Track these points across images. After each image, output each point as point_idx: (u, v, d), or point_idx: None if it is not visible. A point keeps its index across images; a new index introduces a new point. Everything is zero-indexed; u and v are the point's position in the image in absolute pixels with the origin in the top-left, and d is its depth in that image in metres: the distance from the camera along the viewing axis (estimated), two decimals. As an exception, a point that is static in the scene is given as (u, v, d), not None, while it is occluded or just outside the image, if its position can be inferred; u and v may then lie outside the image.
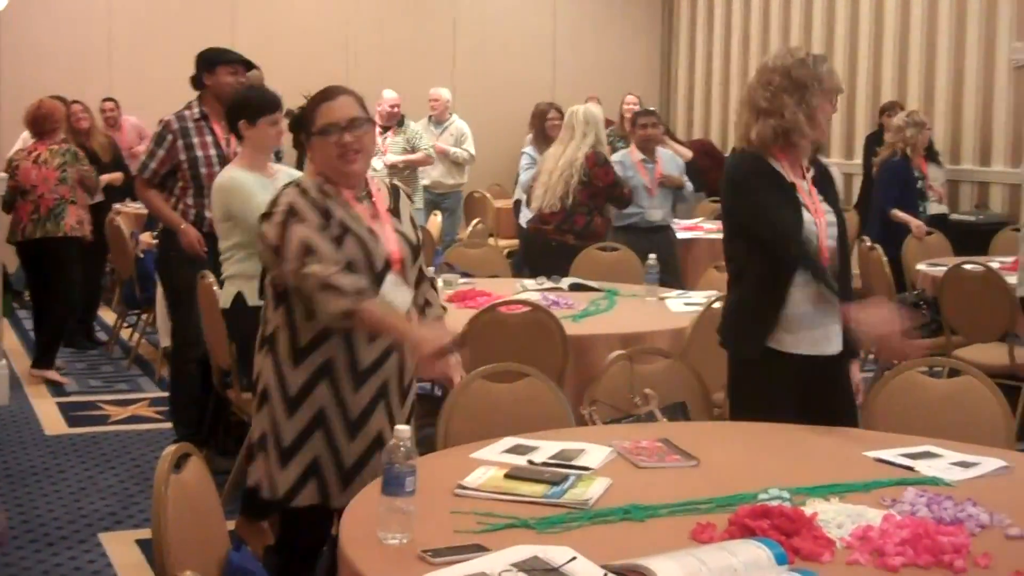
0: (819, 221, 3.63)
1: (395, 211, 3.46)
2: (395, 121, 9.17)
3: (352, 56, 12.40)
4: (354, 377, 3.30)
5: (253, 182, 4.72)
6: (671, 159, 7.70)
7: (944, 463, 2.98)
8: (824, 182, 3.77)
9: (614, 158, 7.43)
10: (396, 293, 3.32)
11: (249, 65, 5.83)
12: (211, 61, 5.67)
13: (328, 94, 3.38)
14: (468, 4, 13.15)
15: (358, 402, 3.31)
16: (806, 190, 3.66)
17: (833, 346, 3.65)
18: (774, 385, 3.61)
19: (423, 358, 3.16)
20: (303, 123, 3.42)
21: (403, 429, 2.44)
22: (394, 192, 3.53)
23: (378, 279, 3.29)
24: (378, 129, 8.41)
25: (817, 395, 3.63)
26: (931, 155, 8.72)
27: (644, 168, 7.43)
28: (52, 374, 7.54)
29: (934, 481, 2.83)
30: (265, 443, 3.34)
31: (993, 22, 9.74)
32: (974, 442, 3.24)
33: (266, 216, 3.29)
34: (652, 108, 8.87)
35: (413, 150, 9.15)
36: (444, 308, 3.77)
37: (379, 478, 2.48)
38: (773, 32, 12.25)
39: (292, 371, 3.30)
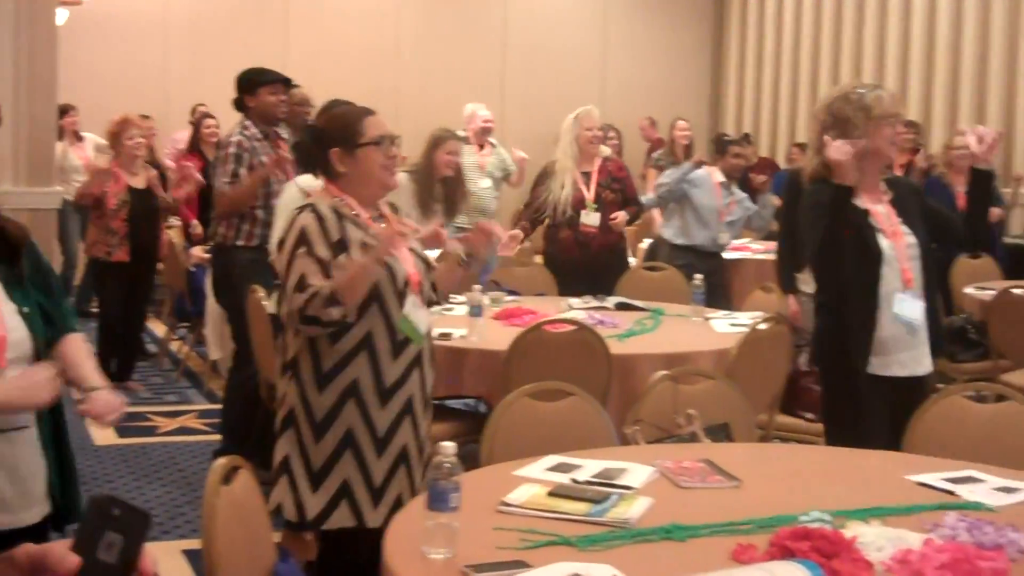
0: (897, 244, 3.74)
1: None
2: (488, 138, 8.59)
3: (402, 69, 12.49)
4: (380, 395, 3.32)
5: None
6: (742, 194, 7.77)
7: (986, 488, 2.98)
8: (909, 202, 3.88)
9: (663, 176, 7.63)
10: (417, 313, 3.36)
11: (288, 83, 5.90)
12: (252, 83, 5.76)
13: (367, 109, 3.41)
14: (517, 21, 13.21)
15: (385, 418, 3.34)
16: (883, 214, 3.76)
17: (923, 367, 3.87)
18: (867, 408, 3.72)
19: (388, 244, 3.17)
20: (335, 137, 3.36)
21: (448, 446, 2.46)
22: (394, 211, 3.55)
23: (401, 298, 3.33)
24: (474, 147, 8.27)
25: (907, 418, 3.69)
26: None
27: (721, 191, 7.48)
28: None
29: (976, 506, 2.82)
30: (290, 466, 3.35)
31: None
32: (1019, 468, 3.22)
33: (280, 244, 3.30)
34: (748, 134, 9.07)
35: (507, 169, 8.60)
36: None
37: (423, 494, 2.51)
38: (824, 58, 12.19)
39: (317, 396, 3.32)
